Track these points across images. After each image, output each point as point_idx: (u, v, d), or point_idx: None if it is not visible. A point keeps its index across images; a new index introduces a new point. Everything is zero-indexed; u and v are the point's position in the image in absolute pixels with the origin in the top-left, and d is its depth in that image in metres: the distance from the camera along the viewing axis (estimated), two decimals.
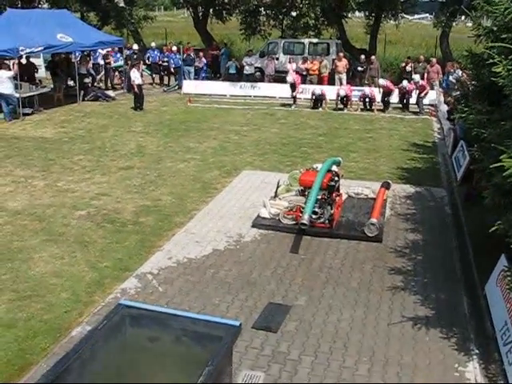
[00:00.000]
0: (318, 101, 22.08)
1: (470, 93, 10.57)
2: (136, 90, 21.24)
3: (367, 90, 22.14)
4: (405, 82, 21.87)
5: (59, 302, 7.61)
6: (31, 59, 22.98)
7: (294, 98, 22.54)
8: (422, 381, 6.27)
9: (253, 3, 28.97)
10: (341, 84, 24.24)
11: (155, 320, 5.24)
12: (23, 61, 21.71)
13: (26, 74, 21.34)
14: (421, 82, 21.67)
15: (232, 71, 26.71)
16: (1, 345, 6.63)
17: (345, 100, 21.86)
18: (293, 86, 22.46)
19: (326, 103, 22.02)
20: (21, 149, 15.41)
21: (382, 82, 21.87)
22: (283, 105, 22.74)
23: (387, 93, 21.75)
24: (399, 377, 6.28)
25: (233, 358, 5.30)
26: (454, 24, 31.26)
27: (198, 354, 4.94)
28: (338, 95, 21.79)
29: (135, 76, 21.37)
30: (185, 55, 26.65)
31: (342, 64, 24.85)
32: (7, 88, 18.72)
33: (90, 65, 25.21)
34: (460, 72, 18.43)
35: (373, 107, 21.84)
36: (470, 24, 14.39)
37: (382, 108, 21.86)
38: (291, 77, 22.58)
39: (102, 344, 4.91)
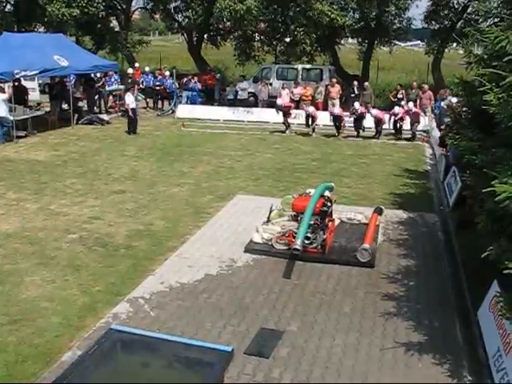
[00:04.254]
0: (309, 116, 22.24)
1: (461, 119, 10.64)
2: (130, 113, 21.33)
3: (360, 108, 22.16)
4: (397, 109, 22.06)
5: (50, 326, 7.55)
6: (23, 82, 23.01)
7: (288, 123, 22.60)
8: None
9: (248, 29, 29.29)
10: None
11: (147, 345, 5.20)
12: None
13: (17, 96, 21.32)
14: (414, 110, 21.78)
15: (230, 97, 26.88)
16: None
17: (337, 123, 21.94)
18: (283, 112, 22.46)
19: (315, 120, 22.10)
20: (14, 171, 15.40)
21: (373, 113, 21.97)
22: (277, 130, 22.83)
23: (379, 120, 21.88)
24: None
25: None
26: (445, 51, 31.74)
27: (189, 380, 4.90)
28: (332, 113, 21.96)
29: (129, 100, 21.45)
30: (185, 80, 26.91)
31: (335, 90, 25.03)
32: (1, 111, 18.78)
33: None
34: (453, 98, 18.53)
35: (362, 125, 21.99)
36: (461, 51, 14.57)
37: (374, 134, 21.97)
38: (281, 100, 22.67)
39: (93, 369, 4.86)
